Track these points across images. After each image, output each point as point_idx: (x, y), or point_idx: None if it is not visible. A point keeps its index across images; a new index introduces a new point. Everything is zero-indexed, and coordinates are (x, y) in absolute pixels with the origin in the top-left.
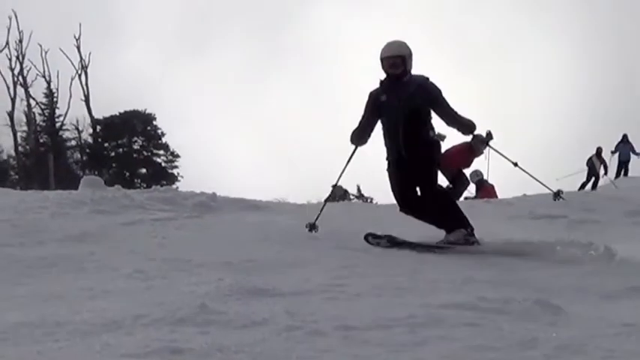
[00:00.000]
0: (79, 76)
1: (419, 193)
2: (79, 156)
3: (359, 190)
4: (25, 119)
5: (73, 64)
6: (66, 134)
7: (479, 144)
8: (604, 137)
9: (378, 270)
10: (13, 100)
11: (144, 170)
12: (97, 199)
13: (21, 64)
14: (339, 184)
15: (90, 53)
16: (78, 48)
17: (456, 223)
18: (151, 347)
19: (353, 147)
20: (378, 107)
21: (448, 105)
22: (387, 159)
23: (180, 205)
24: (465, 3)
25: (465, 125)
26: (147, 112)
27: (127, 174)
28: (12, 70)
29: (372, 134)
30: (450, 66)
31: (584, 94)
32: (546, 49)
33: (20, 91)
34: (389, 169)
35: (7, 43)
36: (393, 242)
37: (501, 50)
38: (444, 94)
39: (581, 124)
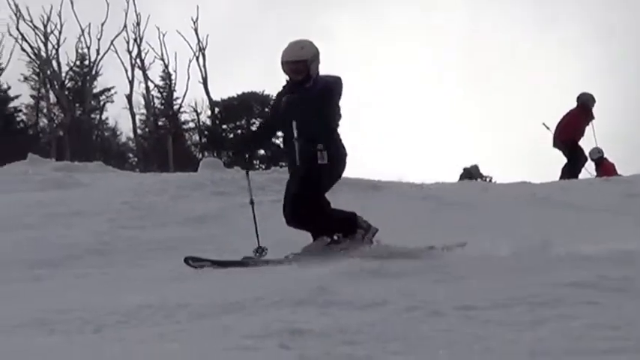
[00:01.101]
0: (197, 58)
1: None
2: (197, 138)
3: (477, 169)
4: (143, 102)
5: (190, 46)
6: (184, 116)
7: (590, 101)
8: None
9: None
10: (131, 83)
11: (262, 152)
12: (217, 181)
13: (139, 46)
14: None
15: (207, 35)
16: (195, 30)
17: (346, 227)
18: (271, 328)
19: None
20: (278, 112)
21: (326, 115)
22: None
23: None
24: None
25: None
26: (264, 93)
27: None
28: (130, 52)
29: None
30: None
31: None
32: None
33: (138, 73)
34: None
35: (125, 25)
36: (222, 264)
37: None
38: (335, 101)
39: None
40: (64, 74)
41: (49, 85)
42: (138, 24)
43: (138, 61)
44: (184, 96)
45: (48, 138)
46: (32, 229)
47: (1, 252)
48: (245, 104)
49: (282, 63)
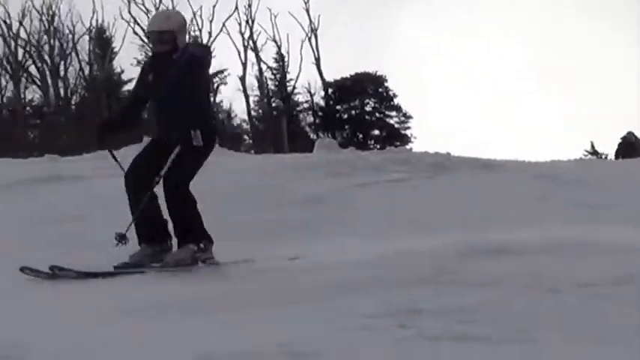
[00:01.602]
0: (309, 39)
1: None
2: (311, 119)
3: (592, 146)
4: (256, 84)
5: (302, 27)
6: (298, 97)
7: None
8: None
9: None
10: (244, 65)
11: (376, 132)
12: (332, 162)
13: (251, 28)
14: None
15: (319, 16)
16: (307, 11)
17: (192, 235)
18: (389, 308)
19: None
20: (144, 87)
21: (196, 90)
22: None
23: (414, 166)
24: None
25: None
26: (378, 74)
27: (360, 136)
28: (242, 34)
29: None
30: None
31: None
32: None
33: (251, 55)
34: (145, 147)
35: (237, 7)
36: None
37: None
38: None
39: None
40: None
41: None
42: (249, 6)
43: (250, 42)
44: (297, 77)
45: None
46: None
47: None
48: (358, 84)
49: (148, 33)
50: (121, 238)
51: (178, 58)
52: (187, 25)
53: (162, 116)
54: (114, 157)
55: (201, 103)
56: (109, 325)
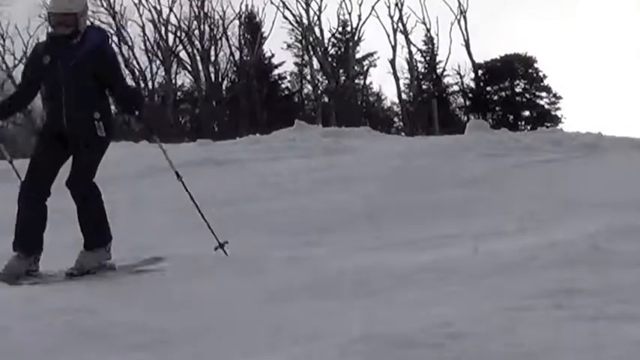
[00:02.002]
0: (458, 21)
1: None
2: (462, 101)
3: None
4: (406, 66)
5: (451, 9)
6: (447, 80)
7: None
8: None
9: None
10: (393, 48)
11: (527, 113)
12: (485, 143)
13: (400, 11)
14: None
15: None
16: None
17: (101, 237)
18: (544, 288)
19: None
20: (38, 70)
21: (122, 75)
22: (42, 128)
23: (566, 146)
24: None
25: (130, 100)
26: (527, 55)
27: (511, 117)
28: (391, 17)
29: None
30: None
31: None
32: None
33: (400, 38)
34: (38, 140)
35: None
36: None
37: None
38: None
39: None
40: (326, 41)
41: (312, 52)
42: None
43: (399, 25)
44: (447, 59)
45: (313, 104)
46: (300, 195)
47: (270, 220)
48: (508, 66)
49: (49, 14)
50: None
51: (79, 44)
52: (88, 9)
53: (57, 102)
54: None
55: (103, 92)
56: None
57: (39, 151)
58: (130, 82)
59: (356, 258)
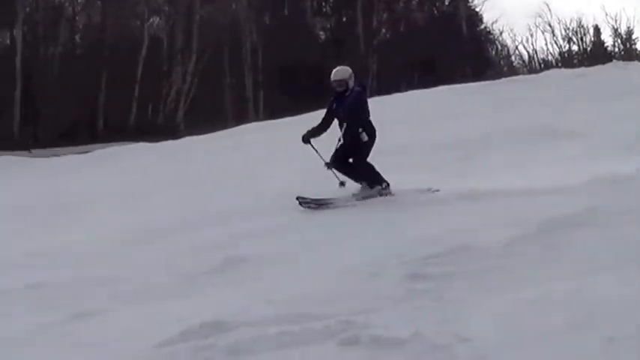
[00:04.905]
0: None
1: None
2: None
3: None
4: None
5: None
6: None
7: None
8: None
9: None
10: None
11: None
12: None
13: None
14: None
15: None
16: None
17: (374, 181)
18: None
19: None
20: (332, 111)
21: (361, 111)
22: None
23: None
24: None
25: (352, 125)
26: None
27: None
28: None
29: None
30: None
31: None
32: None
33: None
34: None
35: None
36: (319, 204)
37: None
38: (364, 101)
39: None
40: None
41: None
42: None
43: None
44: None
45: None
46: None
47: None
48: None
49: (332, 81)
50: (341, 184)
51: (349, 95)
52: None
53: (341, 126)
54: (315, 150)
55: (364, 117)
56: None
57: (337, 148)
58: None
59: None
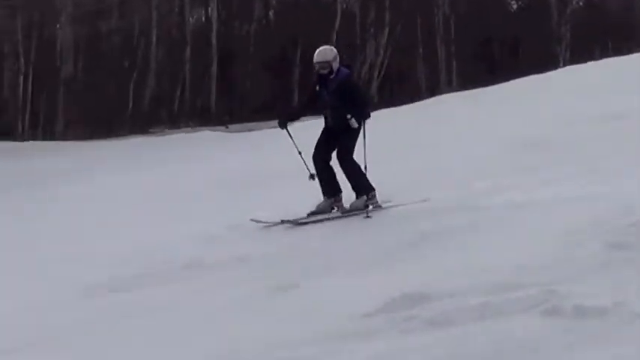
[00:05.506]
0: None
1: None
2: None
3: None
4: None
5: None
6: None
7: None
8: None
9: None
10: None
11: None
12: None
13: None
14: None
15: None
16: None
17: (361, 188)
18: None
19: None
20: (315, 95)
21: (357, 96)
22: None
23: None
24: None
25: (356, 114)
26: None
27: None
28: None
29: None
30: None
31: None
32: None
33: None
34: (322, 131)
35: None
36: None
37: None
38: (357, 85)
39: None
40: None
41: None
42: None
43: None
44: None
45: None
46: None
47: None
48: None
49: (314, 63)
50: (311, 177)
51: (334, 78)
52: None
53: (325, 111)
54: (290, 136)
55: (359, 102)
56: None
57: (320, 137)
58: None
59: None
